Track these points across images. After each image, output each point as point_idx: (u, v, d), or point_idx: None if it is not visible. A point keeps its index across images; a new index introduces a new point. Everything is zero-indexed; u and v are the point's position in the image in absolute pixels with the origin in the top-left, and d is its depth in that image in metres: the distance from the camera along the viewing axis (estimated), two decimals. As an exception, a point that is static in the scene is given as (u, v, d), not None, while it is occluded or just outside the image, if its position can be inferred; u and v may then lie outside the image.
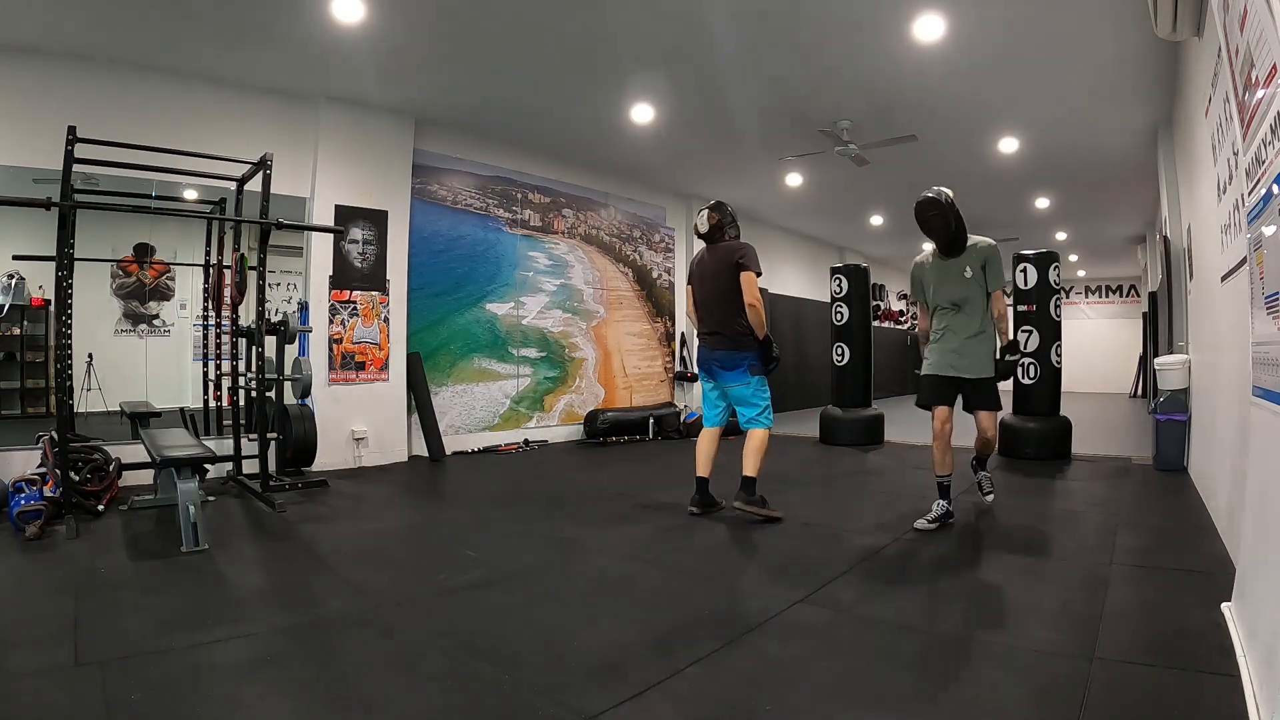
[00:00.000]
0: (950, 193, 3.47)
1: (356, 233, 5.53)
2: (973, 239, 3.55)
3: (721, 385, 3.84)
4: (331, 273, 5.41)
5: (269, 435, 4.52)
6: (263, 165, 4.22)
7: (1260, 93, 1.62)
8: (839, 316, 6.97)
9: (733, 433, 3.92)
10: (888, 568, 2.89)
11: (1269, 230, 1.62)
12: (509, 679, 1.88)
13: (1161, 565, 2.80)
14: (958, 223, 3.47)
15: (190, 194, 5.20)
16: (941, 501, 3.50)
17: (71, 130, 3.53)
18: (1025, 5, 3.97)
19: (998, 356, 3.56)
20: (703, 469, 3.81)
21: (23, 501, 3.34)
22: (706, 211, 3.85)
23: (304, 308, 5.32)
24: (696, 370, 4.44)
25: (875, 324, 8.83)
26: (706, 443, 3.85)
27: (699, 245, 3.97)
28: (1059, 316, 5.77)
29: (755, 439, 3.70)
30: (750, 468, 3.65)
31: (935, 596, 2.53)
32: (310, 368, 4.74)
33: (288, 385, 4.67)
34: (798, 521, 3.61)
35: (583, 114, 5.88)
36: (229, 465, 4.56)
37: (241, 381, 4.71)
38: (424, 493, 4.76)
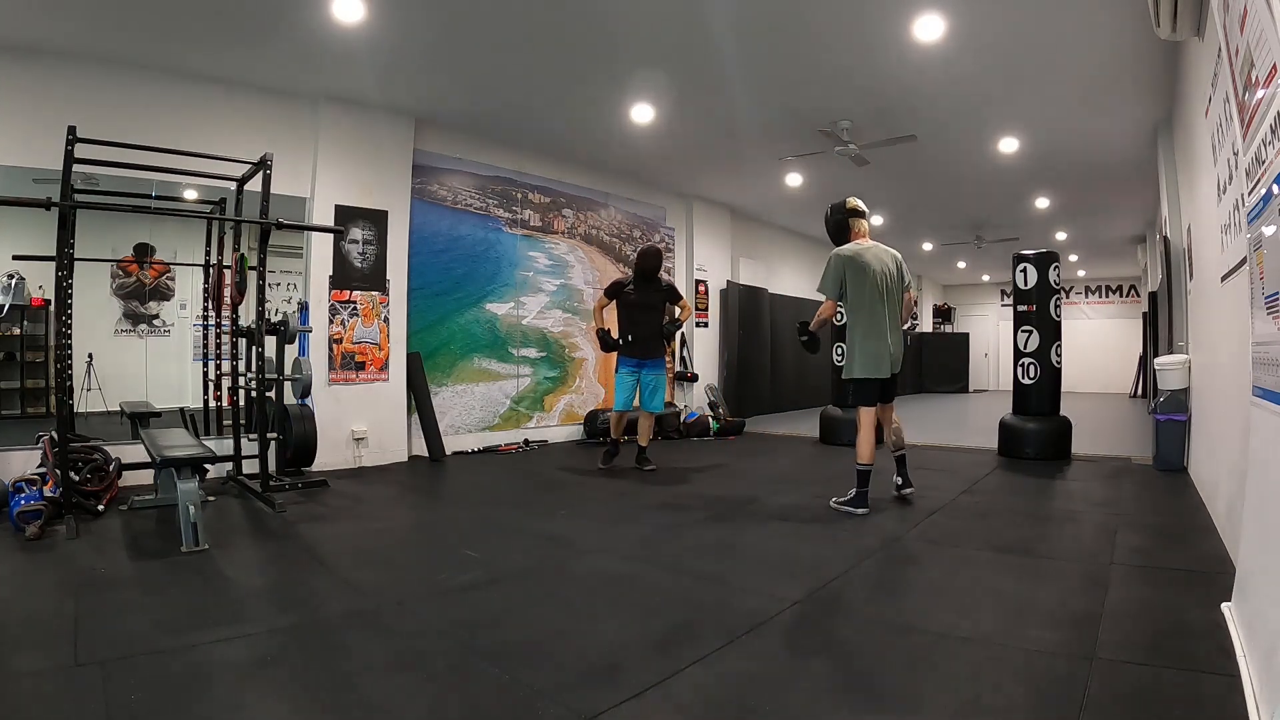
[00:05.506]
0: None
1: (356, 233, 5.53)
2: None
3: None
4: (331, 273, 5.41)
5: (269, 435, 4.51)
6: (263, 165, 4.22)
7: (1260, 93, 1.62)
8: (838, 316, 6.94)
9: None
10: (887, 567, 2.89)
11: (1269, 230, 1.62)
12: (509, 679, 1.88)
13: (1161, 565, 2.80)
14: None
15: (190, 194, 5.19)
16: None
17: (71, 130, 3.53)
18: (1025, 5, 3.96)
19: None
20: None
21: (23, 501, 3.34)
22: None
23: (304, 308, 5.32)
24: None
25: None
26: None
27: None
28: (1059, 316, 5.77)
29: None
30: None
31: (935, 596, 2.53)
32: (310, 368, 4.74)
33: (288, 385, 4.67)
34: (798, 521, 3.62)
35: (583, 114, 5.88)
36: (229, 465, 4.56)
37: (241, 381, 4.71)
38: (424, 492, 4.76)
